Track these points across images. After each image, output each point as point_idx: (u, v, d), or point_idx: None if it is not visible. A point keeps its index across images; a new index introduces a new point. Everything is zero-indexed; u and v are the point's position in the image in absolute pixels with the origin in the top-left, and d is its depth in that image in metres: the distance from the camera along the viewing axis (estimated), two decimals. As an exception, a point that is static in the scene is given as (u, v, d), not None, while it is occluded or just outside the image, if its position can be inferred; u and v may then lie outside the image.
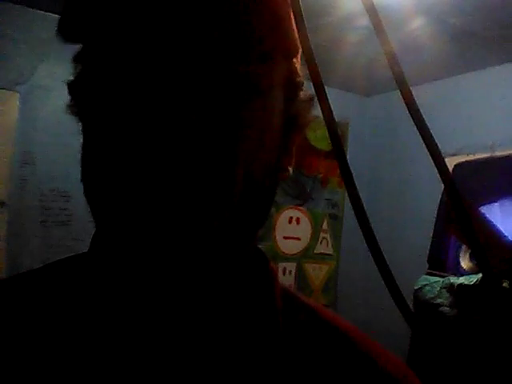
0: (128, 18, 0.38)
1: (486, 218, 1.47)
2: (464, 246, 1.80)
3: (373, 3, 0.44)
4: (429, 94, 2.53)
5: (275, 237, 2.96)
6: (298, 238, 3.05)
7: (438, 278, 1.66)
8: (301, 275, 3.04)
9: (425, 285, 1.65)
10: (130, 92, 0.38)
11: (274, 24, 0.41)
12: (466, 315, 1.46)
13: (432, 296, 1.58)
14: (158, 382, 0.41)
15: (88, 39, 0.41)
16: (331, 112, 0.44)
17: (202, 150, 0.38)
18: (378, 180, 3.14)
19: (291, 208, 3.02)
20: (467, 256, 1.79)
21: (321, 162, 3.08)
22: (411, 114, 0.42)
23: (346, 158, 0.49)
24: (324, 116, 0.44)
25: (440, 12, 2.06)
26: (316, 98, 0.45)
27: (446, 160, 0.41)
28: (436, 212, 2.00)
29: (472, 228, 0.40)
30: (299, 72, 0.47)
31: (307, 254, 3.07)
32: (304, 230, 3.07)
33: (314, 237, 3.10)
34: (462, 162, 1.98)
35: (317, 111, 0.51)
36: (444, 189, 0.41)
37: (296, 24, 0.44)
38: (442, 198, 1.95)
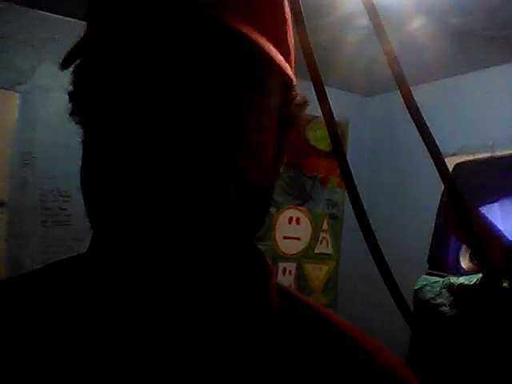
0: (127, 26, 0.39)
1: (486, 218, 1.47)
2: (464, 246, 1.80)
3: (373, 3, 0.44)
4: (429, 94, 2.53)
5: (275, 237, 2.96)
6: (298, 238, 3.05)
7: (437, 278, 1.66)
8: (301, 275, 3.04)
9: (425, 285, 1.65)
10: (128, 97, 0.39)
11: (269, 29, 0.42)
12: (466, 315, 1.46)
13: (432, 296, 1.58)
14: (156, 379, 0.42)
15: (88, 49, 0.42)
16: (331, 112, 0.44)
17: (199, 151, 0.38)
18: (378, 180, 3.14)
19: (291, 208, 3.02)
20: (467, 256, 1.79)
21: (321, 161, 3.08)
22: (411, 114, 0.42)
23: (345, 158, 0.49)
24: (324, 116, 0.44)
25: (440, 12, 2.06)
26: (316, 99, 0.45)
27: (446, 160, 0.41)
28: (436, 212, 2.00)
29: (472, 228, 0.40)
30: (294, 83, 0.47)
31: (307, 254, 3.07)
32: (304, 229, 3.07)
33: (314, 237, 3.10)
34: (462, 162, 1.98)
35: (317, 111, 0.51)
36: (444, 189, 0.41)
37: (296, 24, 0.44)
38: (442, 197, 1.95)
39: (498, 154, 2.31)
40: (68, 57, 0.40)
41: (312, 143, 2.99)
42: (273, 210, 2.93)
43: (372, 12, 0.44)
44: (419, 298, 1.61)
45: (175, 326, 0.43)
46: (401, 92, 0.42)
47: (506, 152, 2.23)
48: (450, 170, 1.96)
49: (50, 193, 2.37)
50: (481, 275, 1.46)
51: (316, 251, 3.11)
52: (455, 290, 1.52)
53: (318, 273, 3.11)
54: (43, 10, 2.32)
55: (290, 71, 0.43)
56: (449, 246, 1.89)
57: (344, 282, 3.17)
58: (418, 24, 2.17)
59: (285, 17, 0.46)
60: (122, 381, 0.41)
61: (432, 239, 2.01)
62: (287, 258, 3.00)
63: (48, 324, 0.44)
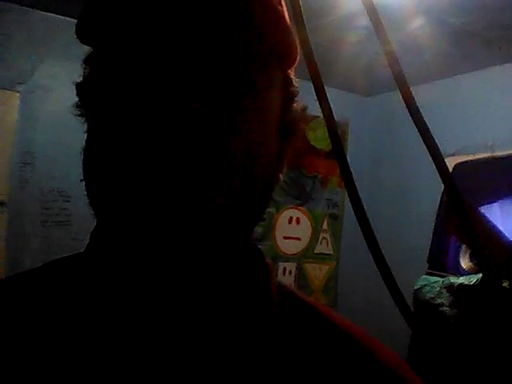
0: (135, 25, 0.40)
1: (486, 217, 1.48)
2: (464, 246, 1.80)
3: (373, 3, 0.44)
4: (429, 94, 2.53)
5: (275, 237, 2.96)
6: (298, 238, 3.05)
7: (437, 278, 1.66)
8: (301, 275, 3.04)
9: (425, 285, 1.65)
10: (132, 92, 0.39)
11: (271, 30, 0.42)
12: (466, 315, 1.46)
13: (432, 296, 1.58)
14: (156, 377, 0.42)
15: (99, 43, 0.43)
16: (331, 112, 0.44)
17: (200, 146, 0.39)
18: (378, 180, 3.14)
19: (291, 208, 3.02)
20: (467, 256, 1.79)
21: (321, 161, 3.08)
22: (411, 114, 0.43)
23: (345, 158, 0.49)
24: (324, 116, 0.44)
25: (440, 12, 2.06)
26: (316, 99, 0.45)
27: (446, 160, 0.41)
28: (436, 212, 2.00)
29: (472, 228, 0.40)
30: (294, 82, 0.47)
31: (307, 254, 3.07)
32: (304, 230, 3.07)
33: (314, 237, 3.10)
34: (462, 162, 1.98)
35: (317, 111, 0.51)
36: (444, 189, 0.41)
37: (296, 24, 0.44)
38: (442, 197, 1.95)
39: (498, 154, 2.31)
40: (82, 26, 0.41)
41: (312, 143, 2.99)
42: (273, 210, 2.93)
43: (372, 12, 0.44)
44: (419, 298, 1.61)
45: (175, 323, 0.43)
46: (401, 92, 0.42)
47: (506, 152, 2.23)
48: (450, 170, 1.96)
49: (50, 193, 2.37)
50: (481, 275, 1.46)
51: (316, 251, 3.11)
52: (455, 290, 1.53)
53: (317, 273, 3.11)
54: (43, 10, 2.32)
55: (297, 46, 0.43)
56: (449, 246, 1.89)
57: (344, 282, 3.17)
58: (417, 24, 2.17)
59: (285, 16, 0.46)
60: (121, 380, 0.41)
61: (432, 239, 2.02)
62: (287, 258, 3.00)
63: (47, 322, 0.44)
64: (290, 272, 3.01)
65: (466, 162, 2.04)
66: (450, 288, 1.54)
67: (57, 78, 2.29)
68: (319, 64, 0.48)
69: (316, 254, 3.11)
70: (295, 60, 0.47)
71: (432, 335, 1.48)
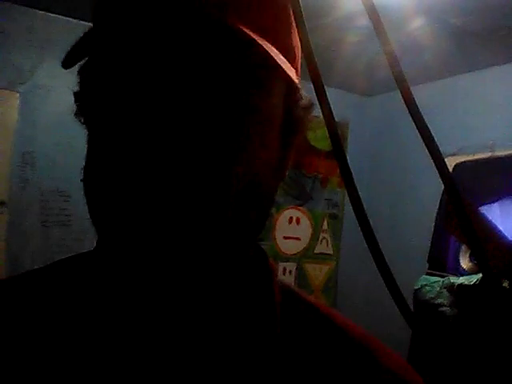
0: (132, 27, 0.39)
1: (486, 217, 1.48)
2: (464, 246, 1.80)
3: (373, 3, 0.44)
4: (429, 94, 2.53)
5: (275, 237, 2.96)
6: (298, 238, 3.05)
7: (438, 278, 1.66)
8: (301, 275, 3.04)
9: (425, 285, 1.65)
10: (131, 97, 0.39)
11: (272, 32, 0.42)
12: (466, 315, 1.46)
13: (432, 296, 1.58)
14: (157, 378, 0.42)
15: (93, 52, 0.42)
16: (331, 112, 0.44)
17: (201, 152, 0.39)
18: (378, 180, 3.14)
19: (291, 208, 3.02)
20: (467, 256, 1.79)
21: (321, 161, 3.08)
22: (411, 114, 0.42)
23: (346, 158, 0.49)
24: (324, 116, 0.44)
25: (440, 12, 2.06)
26: (316, 98, 0.45)
27: (446, 160, 0.41)
28: (436, 212, 2.00)
29: (472, 228, 0.40)
30: (299, 86, 0.47)
31: (307, 254, 3.07)
32: (304, 229, 3.07)
33: (314, 237, 3.10)
34: (462, 162, 1.98)
35: (317, 111, 0.51)
36: (444, 189, 0.41)
37: (296, 24, 0.44)
38: (442, 197, 1.95)
39: (498, 154, 2.31)
40: (69, 56, 0.40)
41: (312, 143, 2.99)
42: (273, 209, 2.93)
43: (372, 12, 0.44)
44: (419, 298, 1.61)
45: (177, 324, 0.43)
46: (401, 92, 0.42)
47: (506, 152, 2.23)
48: (450, 170, 1.96)
49: (50, 193, 2.37)
50: (481, 275, 1.46)
51: (316, 251, 3.11)
52: (455, 290, 1.53)
53: (317, 273, 3.11)
54: (43, 10, 2.32)
55: (291, 72, 0.43)
56: (449, 246, 1.89)
57: (344, 282, 3.17)
58: (417, 24, 2.17)
59: (289, 21, 0.46)
60: (122, 381, 0.41)
61: (432, 239, 2.02)
62: (287, 258, 3.00)
63: (49, 323, 0.44)
64: (290, 272, 3.01)
65: (466, 162, 2.04)
66: (450, 288, 1.54)
67: (57, 78, 2.29)
68: (319, 64, 0.48)
69: (316, 253, 3.11)
70: (297, 65, 0.47)
71: (432, 335, 1.48)
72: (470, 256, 1.78)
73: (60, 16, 2.32)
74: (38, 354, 0.43)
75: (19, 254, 2.30)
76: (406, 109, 0.43)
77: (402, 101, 0.44)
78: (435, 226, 2.02)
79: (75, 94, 0.45)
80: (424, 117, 0.43)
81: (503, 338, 1.25)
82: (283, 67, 0.40)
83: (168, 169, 0.38)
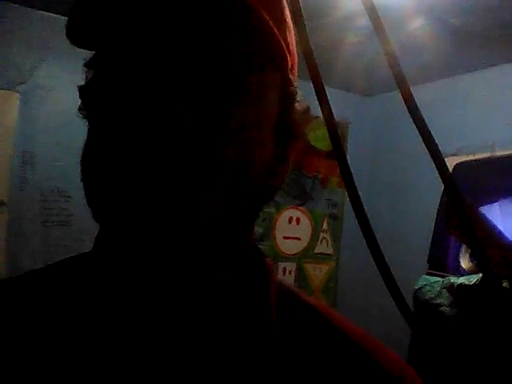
0: (132, 30, 0.40)
1: (486, 217, 1.47)
2: (464, 246, 1.80)
3: (373, 3, 0.44)
4: (429, 94, 2.53)
5: (275, 237, 2.96)
6: (298, 238, 3.05)
7: (438, 278, 1.66)
8: (301, 275, 3.04)
9: (425, 285, 1.65)
10: (129, 96, 0.40)
11: (266, 33, 0.42)
12: (466, 315, 1.46)
13: (432, 296, 1.58)
14: (155, 379, 0.42)
15: (99, 48, 0.43)
16: (331, 112, 0.44)
17: (192, 146, 0.39)
18: (378, 180, 3.14)
19: (291, 208, 3.02)
20: (467, 256, 1.79)
21: (321, 162, 3.08)
22: (411, 114, 0.42)
23: (346, 158, 0.49)
24: (324, 116, 0.44)
25: (440, 12, 2.06)
26: (316, 99, 0.45)
27: (446, 160, 0.41)
28: (436, 212, 2.00)
29: (472, 228, 0.40)
30: (294, 82, 0.47)
31: (307, 254, 3.07)
32: (304, 229, 3.07)
33: (314, 237, 3.10)
34: (462, 162, 1.98)
35: (317, 111, 0.51)
36: (444, 189, 0.41)
37: (296, 24, 0.44)
38: (442, 197, 1.95)
39: (498, 154, 2.31)
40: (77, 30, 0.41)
41: (312, 143, 2.99)
42: (273, 210, 2.93)
43: (372, 12, 0.44)
44: (419, 298, 1.61)
45: (174, 325, 0.43)
46: (401, 92, 0.42)
47: (506, 152, 2.22)
48: (450, 170, 1.96)
49: (50, 193, 2.37)
50: (481, 275, 1.46)
51: (316, 251, 3.11)
52: (455, 290, 1.53)
53: (318, 273, 3.11)
54: (43, 10, 2.32)
55: (284, 49, 0.43)
56: (449, 246, 1.89)
57: (344, 282, 3.17)
58: (417, 24, 2.17)
59: (285, 20, 0.46)
60: (121, 381, 0.41)
61: (432, 239, 2.01)
62: (287, 258, 3.00)
63: (48, 323, 0.44)
64: (290, 272, 3.01)
65: (466, 162, 2.04)
66: (450, 288, 1.54)
67: (57, 78, 2.29)
68: (319, 64, 0.48)
69: (316, 253, 3.11)
70: (293, 61, 0.46)
71: (432, 335, 1.48)
72: (470, 256, 1.78)
73: (60, 16, 2.32)
74: (38, 354, 0.43)
75: (19, 254, 2.30)
76: (406, 109, 0.43)
77: (402, 101, 0.44)
78: (435, 226, 2.02)
79: (80, 88, 0.46)
80: (424, 117, 0.43)
81: (503, 337, 1.25)
82: (277, 37, 0.40)
83: (160, 164, 0.38)
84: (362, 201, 0.48)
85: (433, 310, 1.54)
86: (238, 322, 0.45)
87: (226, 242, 0.43)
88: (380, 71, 2.55)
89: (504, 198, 1.71)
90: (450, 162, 2.12)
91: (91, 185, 0.42)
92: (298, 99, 0.47)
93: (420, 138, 0.43)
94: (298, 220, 3.05)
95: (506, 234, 1.47)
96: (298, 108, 0.47)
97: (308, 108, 0.48)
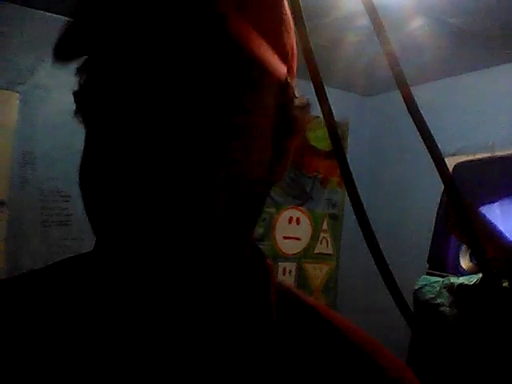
0: (126, 33, 0.39)
1: (486, 217, 1.47)
2: (464, 246, 1.80)
3: (373, 3, 0.44)
4: (429, 94, 2.53)
5: (275, 237, 2.96)
6: (298, 238, 3.05)
7: (438, 278, 1.66)
8: (301, 275, 3.04)
9: (425, 285, 1.65)
10: (125, 101, 0.39)
11: (264, 30, 0.41)
12: (466, 315, 1.46)
13: (432, 296, 1.58)
14: (155, 379, 0.42)
15: (92, 52, 0.42)
16: (331, 112, 0.44)
17: (188, 153, 0.39)
18: (378, 180, 3.14)
19: (291, 208, 3.02)
20: (467, 256, 1.79)
21: (321, 162, 3.08)
22: (411, 114, 0.42)
23: (346, 158, 0.49)
24: (324, 116, 0.44)
25: (440, 12, 2.06)
26: (316, 99, 0.45)
27: (446, 160, 0.41)
28: (436, 212, 2.00)
29: (472, 228, 0.40)
30: (292, 83, 0.47)
31: (307, 254, 3.07)
32: (304, 229, 3.07)
33: (314, 237, 3.10)
34: (462, 162, 1.98)
35: (317, 111, 0.51)
36: (444, 189, 0.41)
37: (296, 24, 0.44)
38: (442, 197, 1.95)
39: (498, 154, 2.31)
40: (64, 52, 0.40)
41: (312, 143, 2.99)
42: (273, 210, 2.93)
43: (372, 12, 0.44)
44: (419, 298, 1.61)
45: (174, 324, 0.43)
46: (401, 92, 0.42)
47: (506, 152, 2.22)
48: (450, 170, 1.96)
49: (50, 193, 2.37)
50: (481, 275, 1.46)
51: (316, 251, 3.11)
52: (455, 290, 1.53)
53: (318, 273, 3.11)
54: (43, 10, 2.32)
55: (282, 70, 0.42)
56: (449, 246, 1.89)
57: (344, 282, 3.17)
58: (417, 24, 2.17)
59: (283, 18, 0.46)
60: (121, 381, 0.41)
61: (432, 239, 2.01)
62: (287, 258, 3.00)
63: (48, 323, 0.44)
64: (290, 272, 3.01)
65: (466, 162, 2.04)
66: (450, 288, 1.54)
67: (57, 78, 2.29)
68: (319, 64, 0.48)
69: (316, 253, 3.11)
70: (292, 62, 0.46)
71: (432, 335, 1.48)
72: (470, 256, 1.77)
73: (60, 16, 2.32)
74: (38, 354, 0.43)
75: (19, 253, 2.30)
76: (406, 109, 0.43)
77: (402, 101, 0.44)
78: (435, 226, 2.01)
79: (74, 94, 0.45)
80: (424, 117, 0.43)
81: (503, 337, 1.25)
82: (270, 63, 0.40)
83: (156, 170, 0.38)
84: (362, 201, 0.48)
85: (433, 309, 1.54)
86: (238, 322, 0.45)
87: (227, 243, 0.43)
88: (380, 71, 2.55)
89: (504, 198, 1.71)
90: (450, 162, 2.12)
91: (89, 197, 0.42)
92: (296, 95, 0.47)
93: (420, 137, 0.43)
94: (297, 220, 3.05)
95: (506, 234, 1.47)
96: (297, 103, 0.47)
97: (308, 103, 0.47)
